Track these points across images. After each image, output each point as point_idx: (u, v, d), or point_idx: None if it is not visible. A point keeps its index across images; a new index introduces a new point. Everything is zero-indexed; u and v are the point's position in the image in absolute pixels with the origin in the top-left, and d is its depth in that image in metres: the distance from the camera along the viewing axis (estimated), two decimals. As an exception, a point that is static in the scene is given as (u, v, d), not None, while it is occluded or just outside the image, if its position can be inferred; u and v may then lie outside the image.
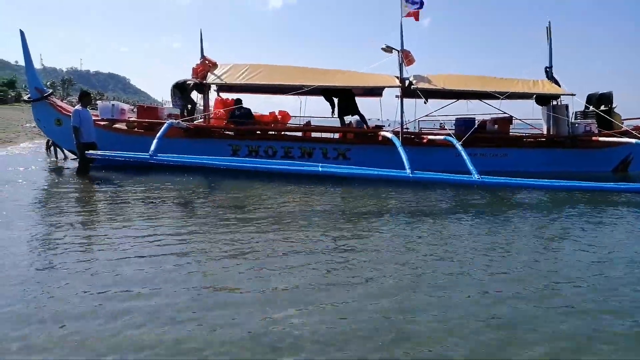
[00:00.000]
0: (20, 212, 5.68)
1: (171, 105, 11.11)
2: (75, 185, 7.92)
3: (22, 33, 9.27)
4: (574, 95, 11.27)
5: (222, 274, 3.82)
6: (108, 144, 8.93)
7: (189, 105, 10.90)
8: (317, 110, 11.98)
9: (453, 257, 4.46)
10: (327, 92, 11.38)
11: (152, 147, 7.46)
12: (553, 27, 11.88)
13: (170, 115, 10.26)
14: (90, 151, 8.13)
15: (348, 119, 11.62)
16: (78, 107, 8.93)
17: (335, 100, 11.44)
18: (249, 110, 10.80)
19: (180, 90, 10.72)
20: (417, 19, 11.16)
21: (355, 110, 11.34)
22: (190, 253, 4.32)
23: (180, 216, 5.83)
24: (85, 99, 9.37)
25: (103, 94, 71.66)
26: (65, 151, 11.07)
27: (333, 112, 11.57)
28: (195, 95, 11.21)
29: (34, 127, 15.94)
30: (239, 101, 11.06)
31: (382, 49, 11.22)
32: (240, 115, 10.57)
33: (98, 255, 4.17)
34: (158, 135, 7.85)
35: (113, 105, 10.57)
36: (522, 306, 3.36)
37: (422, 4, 11.19)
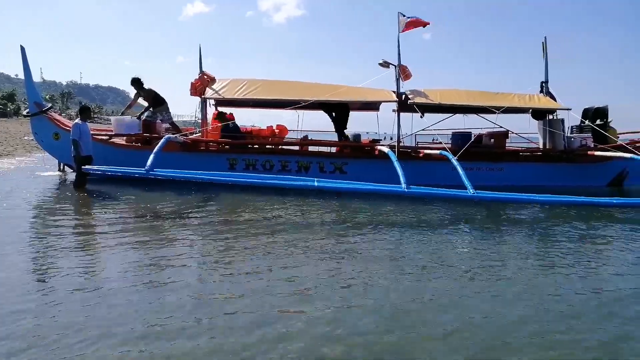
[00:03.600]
0: (16, 227, 5.70)
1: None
2: (72, 198, 7.96)
3: (22, 49, 9.39)
4: (570, 109, 11.36)
5: (218, 288, 3.85)
6: (107, 158, 8.98)
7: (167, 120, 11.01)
8: (314, 125, 12.10)
9: (445, 274, 4.47)
10: (326, 107, 11.48)
11: (149, 163, 7.49)
12: (553, 41, 12.02)
13: (168, 130, 10.33)
14: (86, 166, 8.17)
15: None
16: (78, 120, 9.01)
17: (334, 114, 11.57)
18: (236, 125, 10.92)
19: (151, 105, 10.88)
20: (420, 25, 11.25)
21: (345, 125, 11.51)
22: (186, 267, 4.33)
23: (177, 230, 5.85)
24: (85, 113, 9.44)
25: (102, 107, 71.99)
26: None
27: (333, 122, 11.72)
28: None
29: (32, 140, 15.99)
30: (222, 114, 11.07)
31: (380, 64, 11.34)
32: (231, 129, 10.60)
33: (95, 270, 4.20)
34: (155, 150, 7.90)
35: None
36: (514, 321, 3.38)
37: (423, 21, 11.33)
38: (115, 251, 4.81)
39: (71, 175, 10.10)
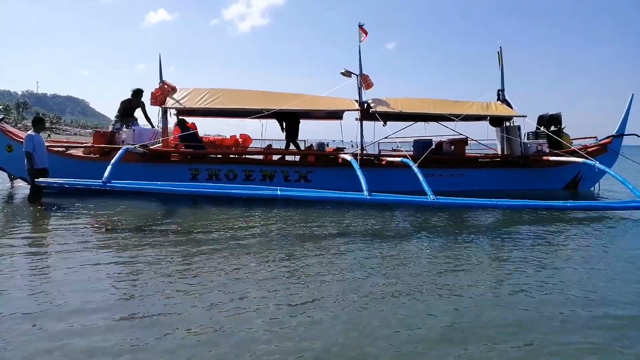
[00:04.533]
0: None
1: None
2: (26, 213, 7.66)
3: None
4: (525, 116, 11.76)
5: (173, 303, 3.75)
6: (63, 170, 8.69)
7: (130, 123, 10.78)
8: (278, 134, 12.05)
9: (403, 279, 4.53)
10: (277, 116, 11.48)
11: (106, 174, 7.29)
12: (509, 52, 12.44)
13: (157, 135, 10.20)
14: (41, 179, 7.89)
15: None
16: (31, 132, 8.70)
17: (284, 124, 11.67)
18: (194, 133, 10.80)
19: (120, 114, 10.67)
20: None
21: (292, 135, 11.62)
22: (142, 282, 4.23)
23: (133, 244, 5.66)
24: (39, 124, 9.12)
25: (60, 117, 69.73)
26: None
27: (282, 131, 11.79)
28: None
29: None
30: (182, 122, 10.94)
31: (342, 73, 11.48)
32: (190, 138, 10.46)
33: (47, 284, 4.04)
34: (112, 161, 7.70)
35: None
36: (472, 323, 3.45)
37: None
38: (70, 268, 4.62)
39: (24, 189, 9.73)
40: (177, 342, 3.07)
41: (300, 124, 11.80)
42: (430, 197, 7.52)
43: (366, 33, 11.41)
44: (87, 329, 3.23)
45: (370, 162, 10.69)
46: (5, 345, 2.98)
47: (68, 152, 9.92)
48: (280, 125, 11.77)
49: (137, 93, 10.96)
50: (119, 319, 3.42)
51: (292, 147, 11.66)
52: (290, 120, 11.52)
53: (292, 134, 11.64)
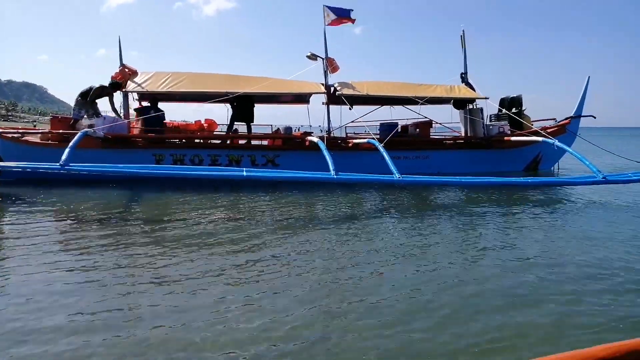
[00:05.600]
0: None
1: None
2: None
3: None
4: (487, 98, 12.03)
5: (137, 294, 3.61)
6: (19, 158, 8.32)
7: (94, 115, 10.30)
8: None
9: (373, 259, 4.57)
10: (232, 100, 11.16)
11: (64, 157, 7.03)
12: (473, 36, 12.65)
13: (91, 126, 9.73)
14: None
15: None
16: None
17: (235, 104, 11.27)
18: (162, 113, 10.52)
19: (84, 99, 10.17)
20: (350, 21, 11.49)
21: (251, 118, 11.34)
22: (103, 276, 4.01)
23: (96, 236, 5.37)
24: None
25: (16, 104, 66.73)
26: None
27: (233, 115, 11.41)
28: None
29: None
30: (145, 108, 10.62)
31: (307, 56, 11.41)
32: (153, 121, 10.17)
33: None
34: (70, 144, 7.43)
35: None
36: (440, 301, 3.52)
37: (347, 11, 11.56)
38: (30, 261, 4.42)
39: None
40: (141, 338, 2.90)
41: (254, 108, 11.44)
42: (397, 176, 7.60)
43: (340, 22, 11.36)
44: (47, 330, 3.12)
45: (337, 145, 10.70)
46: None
47: (24, 138, 9.51)
48: (233, 109, 11.34)
49: (115, 86, 10.40)
50: (84, 320, 3.31)
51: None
52: (245, 103, 11.21)
53: (248, 117, 11.43)
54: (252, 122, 11.44)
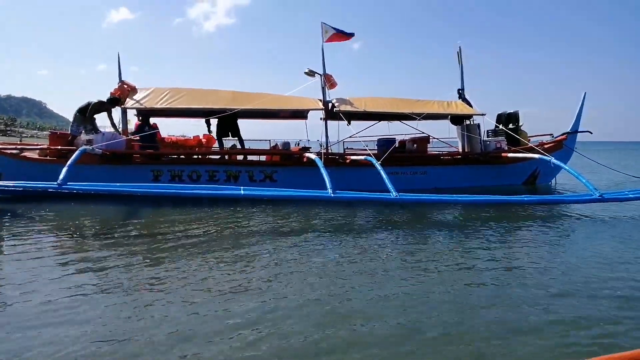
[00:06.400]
0: None
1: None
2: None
3: None
4: (485, 114, 12.09)
5: (139, 309, 3.65)
6: (18, 174, 8.33)
7: (93, 131, 10.29)
8: (243, 133, 11.90)
9: (370, 276, 4.57)
10: (207, 115, 11.25)
11: (62, 176, 7.04)
12: (470, 51, 12.78)
13: (89, 142, 9.74)
14: (-9, 182, 7.57)
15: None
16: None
17: (214, 121, 11.36)
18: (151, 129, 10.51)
19: (83, 115, 10.17)
20: (344, 39, 11.62)
21: (235, 132, 11.41)
22: (106, 289, 4.08)
23: (94, 251, 5.43)
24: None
25: (15, 119, 66.90)
26: None
27: (209, 132, 11.51)
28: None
29: None
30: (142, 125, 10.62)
31: (305, 72, 11.51)
32: (148, 137, 10.16)
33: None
34: (68, 162, 7.44)
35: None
36: (439, 319, 3.51)
37: (347, 34, 11.69)
38: (30, 274, 4.44)
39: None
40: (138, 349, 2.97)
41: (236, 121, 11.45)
42: (394, 194, 7.62)
43: (338, 38, 11.49)
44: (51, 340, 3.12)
45: (335, 161, 10.73)
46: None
47: (22, 154, 9.54)
48: (218, 125, 11.38)
49: (114, 102, 10.43)
50: (85, 333, 3.31)
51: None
52: (230, 119, 11.18)
53: (235, 133, 11.45)
54: (240, 137, 11.47)
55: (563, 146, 12.34)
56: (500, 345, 3.06)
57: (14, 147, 9.90)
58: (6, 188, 7.72)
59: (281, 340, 3.08)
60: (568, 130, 12.55)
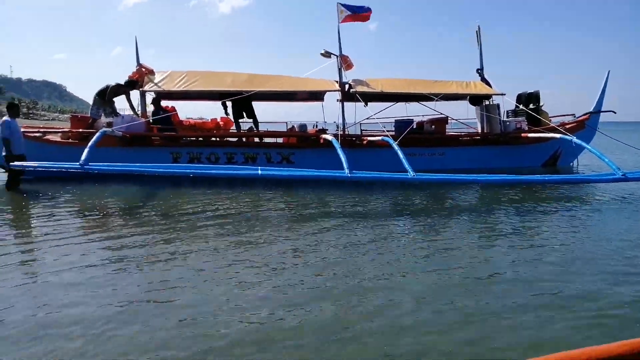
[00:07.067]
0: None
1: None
2: (6, 200, 7.55)
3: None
4: (504, 94, 11.89)
5: (164, 284, 3.74)
6: (40, 156, 8.53)
7: (112, 114, 10.41)
8: (260, 116, 11.92)
9: (391, 258, 4.57)
10: (223, 97, 11.27)
11: (83, 156, 7.19)
12: (490, 31, 12.52)
13: (109, 124, 9.89)
14: (16, 162, 7.75)
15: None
16: (6, 118, 8.51)
17: (229, 103, 11.35)
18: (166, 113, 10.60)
19: (102, 98, 10.30)
20: (364, 19, 11.52)
21: (250, 113, 11.38)
22: (130, 266, 4.18)
23: (117, 227, 5.60)
24: (13, 109, 8.91)
25: (37, 103, 68.05)
26: None
27: (226, 114, 11.53)
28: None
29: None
30: (157, 102, 10.69)
31: (321, 54, 11.44)
32: (162, 120, 10.26)
33: (36, 275, 4.04)
34: (90, 144, 7.59)
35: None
36: (462, 302, 3.53)
37: (361, 8, 11.55)
38: (57, 260, 4.51)
39: (1, 177, 9.54)
40: (168, 332, 3.04)
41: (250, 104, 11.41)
42: (411, 174, 7.57)
43: (354, 19, 11.38)
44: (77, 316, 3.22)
45: (352, 143, 10.70)
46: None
47: (45, 137, 9.74)
48: (223, 106, 11.45)
49: (132, 85, 10.54)
50: (112, 307, 3.41)
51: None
52: (245, 101, 11.15)
53: (251, 115, 11.45)
54: (256, 119, 11.49)
55: (585, 126, 12.06)
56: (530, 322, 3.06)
57: (37, 130, 10.10)
58: (31, 169, 7.90)
59: (300, 319, 3.11)
60: (591, 110, 12.25)
